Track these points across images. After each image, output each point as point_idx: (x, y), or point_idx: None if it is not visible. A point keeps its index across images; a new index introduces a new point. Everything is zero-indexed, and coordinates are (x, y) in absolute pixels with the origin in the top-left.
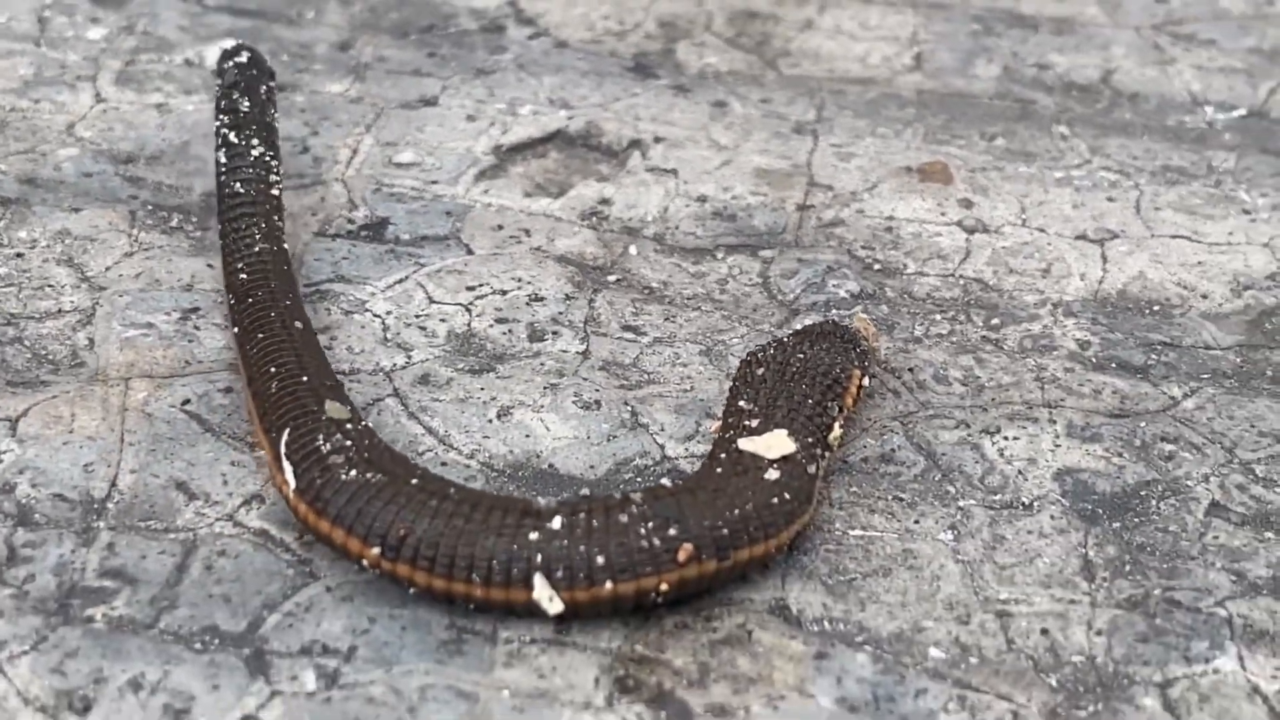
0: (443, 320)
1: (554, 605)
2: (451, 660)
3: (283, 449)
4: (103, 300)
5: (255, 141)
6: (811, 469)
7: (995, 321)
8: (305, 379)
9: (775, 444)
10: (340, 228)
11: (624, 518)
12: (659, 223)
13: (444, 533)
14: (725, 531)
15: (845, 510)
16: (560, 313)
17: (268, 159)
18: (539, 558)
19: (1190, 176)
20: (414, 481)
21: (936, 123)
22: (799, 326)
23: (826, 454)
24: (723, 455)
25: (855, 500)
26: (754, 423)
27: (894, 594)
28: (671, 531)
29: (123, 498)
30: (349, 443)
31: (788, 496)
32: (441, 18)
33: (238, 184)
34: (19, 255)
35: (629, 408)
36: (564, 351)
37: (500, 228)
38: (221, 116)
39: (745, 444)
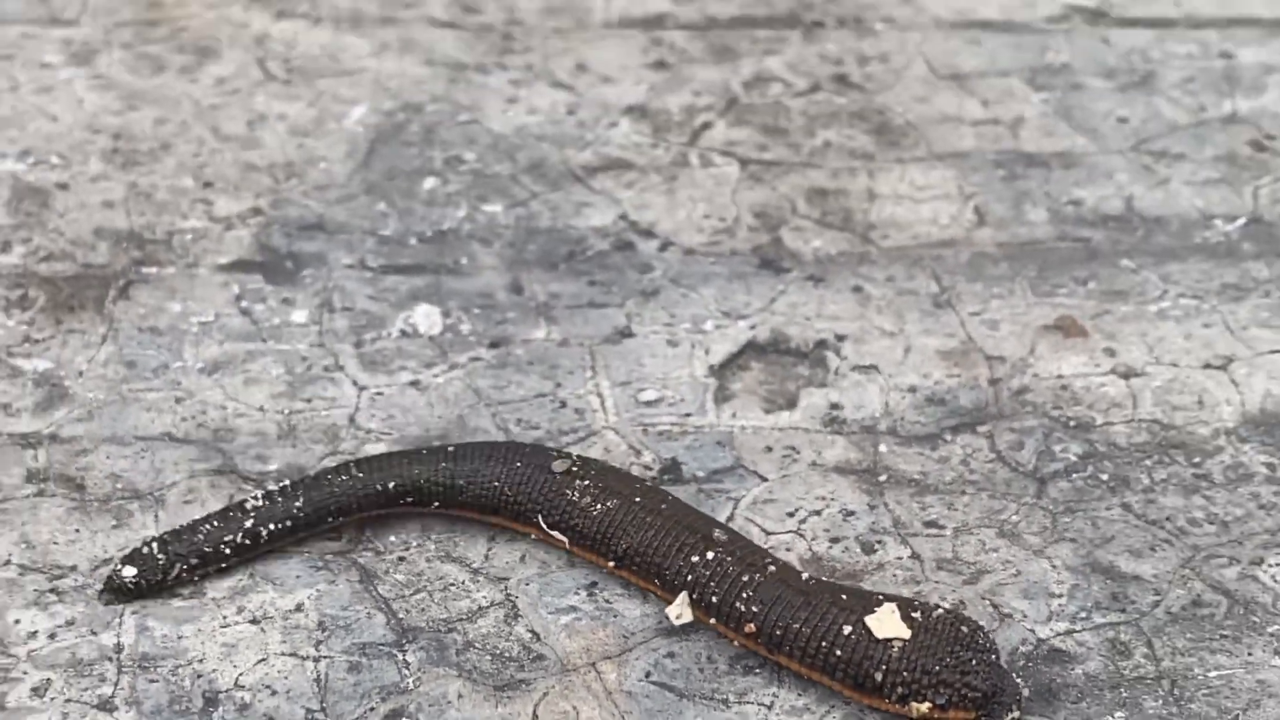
0: (787, 550)
1: (681, 619)
2: None
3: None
4: (513, 591)
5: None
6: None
7: (1197, 459)
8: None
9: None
10: (643, 476)
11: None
12: (887, 417)
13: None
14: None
15: (1195, 656)
16: (874, 522)
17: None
18: (690, 579)
19: (1245, 290)
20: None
21: (1032, 273)
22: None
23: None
24: None
25: (1194, 646)
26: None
27: None
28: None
29: None
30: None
31: None
32: (574, 243)
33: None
34: (402, 559)
35: (987, 602)
36: (899, 559)
37: (769, 449)
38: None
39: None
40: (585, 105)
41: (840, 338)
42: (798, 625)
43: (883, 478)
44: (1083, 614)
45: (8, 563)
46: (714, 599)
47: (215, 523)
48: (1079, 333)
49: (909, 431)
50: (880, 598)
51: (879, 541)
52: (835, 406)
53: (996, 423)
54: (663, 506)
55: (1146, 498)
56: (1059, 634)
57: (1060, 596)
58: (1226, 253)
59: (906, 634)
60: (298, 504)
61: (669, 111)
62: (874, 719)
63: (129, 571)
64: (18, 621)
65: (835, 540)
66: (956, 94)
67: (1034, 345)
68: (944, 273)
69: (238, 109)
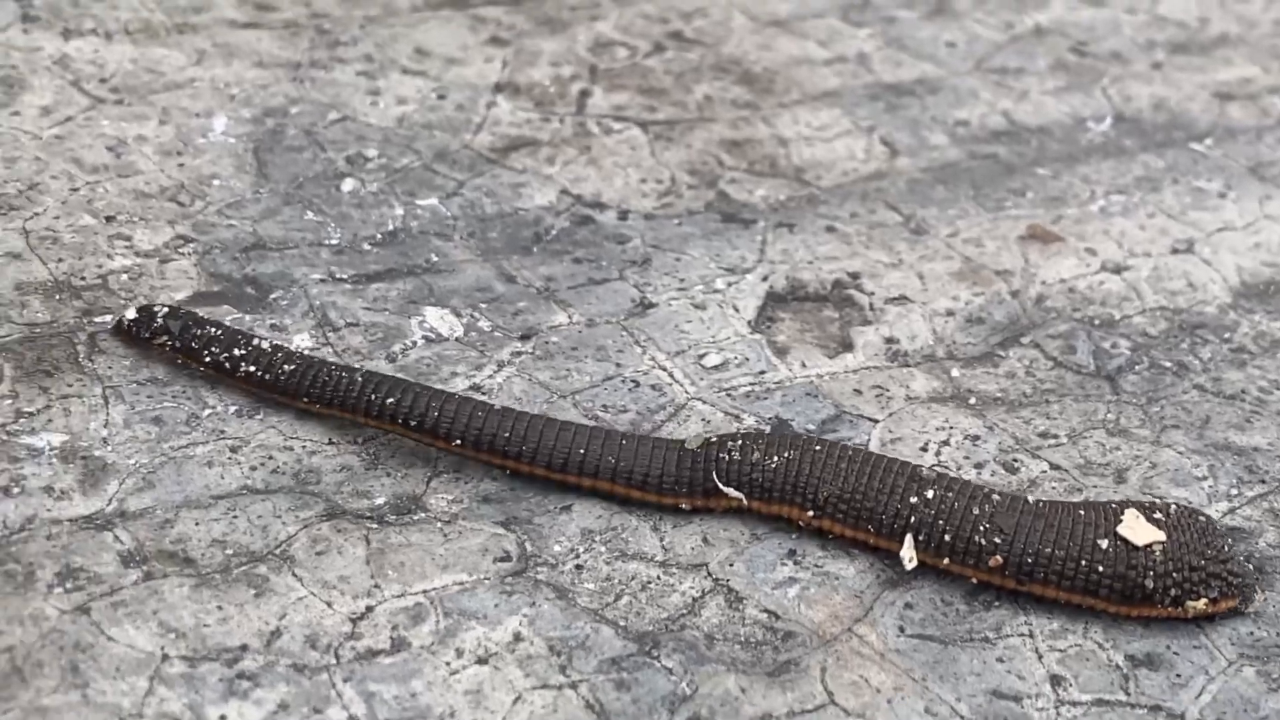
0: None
1: (912, 563)
2: None
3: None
4: (718, 575)
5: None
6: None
7: (1226, 335)
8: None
9: (1144, 532)
10: None
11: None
12: (939, 344)
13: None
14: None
15: None
16: (1000, 442)
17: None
18: (913, 520)
19: (1156, 181)
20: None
21: (970, 192)
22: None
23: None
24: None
25: None
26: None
27: None
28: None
29: None
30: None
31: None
32: (532, 224)
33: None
34: (579, 568)
35: (1149, 496)
36: (1044, 472)
37: (859, 391)
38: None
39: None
40: (452, 88)
41: (851, 275)
42: (1049, 549)
43: (972, 401)
44: (1234, 491)
45: (166, 657)
46: (946, 537)
47: (221, 336)
48: (1054, 238)
49: (964, 354)
50: (1115, 505)
51: (1014, 460)
52: (891, 341)
53: (1033, 332)
54: (848, 450)
55: (1210, 377)
56: (1225, 513)
57: (1205, 479)
58: (1117, 150)
59: (1162, 536)
60: (288, 368)
61: (540, 84)
62: (1131, 626)
63: (130, 314)
64: (223, 718)
65: (979, 466)
66: (791, 38)
67: (1025, 255)
68: (903, 204)
69: (87, 136)
